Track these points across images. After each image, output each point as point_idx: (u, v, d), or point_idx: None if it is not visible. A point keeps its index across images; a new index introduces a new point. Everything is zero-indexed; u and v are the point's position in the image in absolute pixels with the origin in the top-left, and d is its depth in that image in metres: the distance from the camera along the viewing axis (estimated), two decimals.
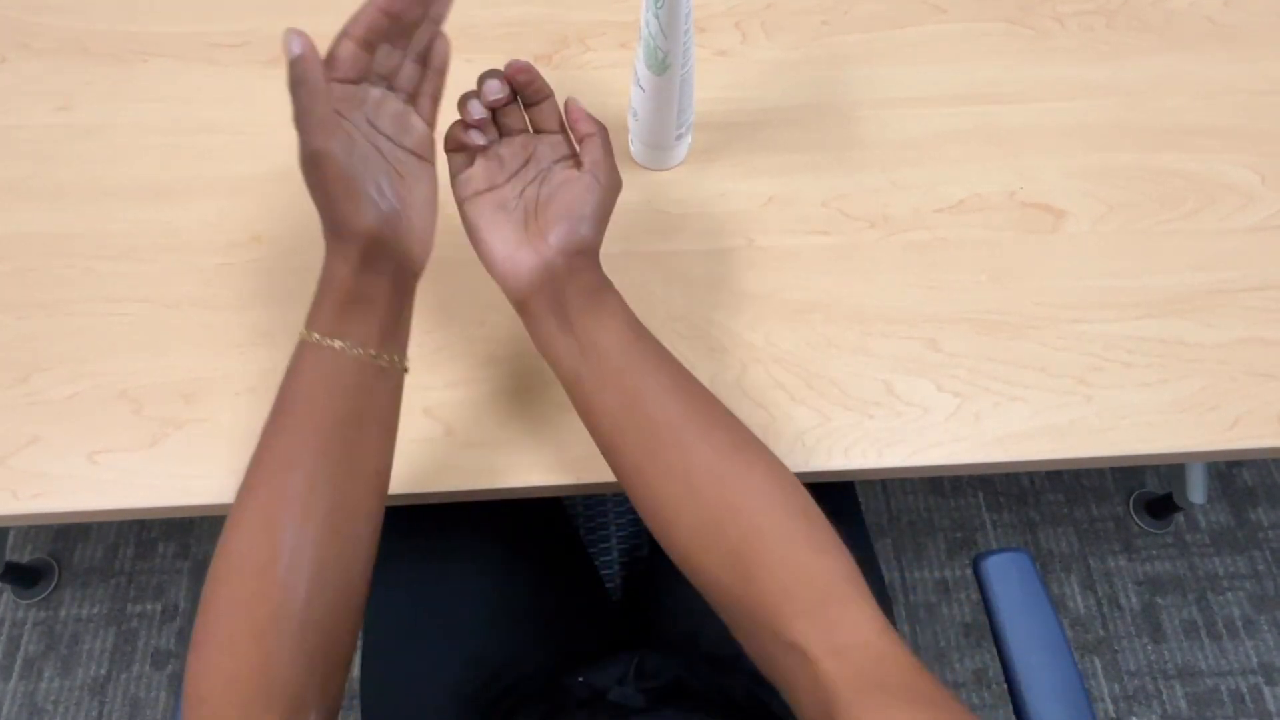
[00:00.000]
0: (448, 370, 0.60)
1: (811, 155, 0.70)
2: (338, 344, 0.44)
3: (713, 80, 0.72)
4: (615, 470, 0.49)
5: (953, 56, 0.75)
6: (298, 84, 0.43)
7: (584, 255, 0.50)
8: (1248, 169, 0.70)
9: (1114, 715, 1.26)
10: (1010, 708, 0.62)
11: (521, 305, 0.50)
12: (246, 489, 0.43)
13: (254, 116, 0.70)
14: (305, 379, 0.45)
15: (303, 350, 0.45)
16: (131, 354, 0.60)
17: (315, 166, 0.44)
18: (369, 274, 0.45)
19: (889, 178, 0.69)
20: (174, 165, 0.68)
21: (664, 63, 0.58)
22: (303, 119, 0.43)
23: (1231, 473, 1.42)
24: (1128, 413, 0.60)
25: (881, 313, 0.63)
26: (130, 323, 0.61)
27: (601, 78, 0.73)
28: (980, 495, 1.40)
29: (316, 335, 0.44)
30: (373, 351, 0.45)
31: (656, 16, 0.55)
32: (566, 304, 0.49)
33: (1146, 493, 1.39)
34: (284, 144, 0.70)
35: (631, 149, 0.69)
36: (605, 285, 0.50)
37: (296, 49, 0.42)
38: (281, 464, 0.43)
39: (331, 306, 0.45)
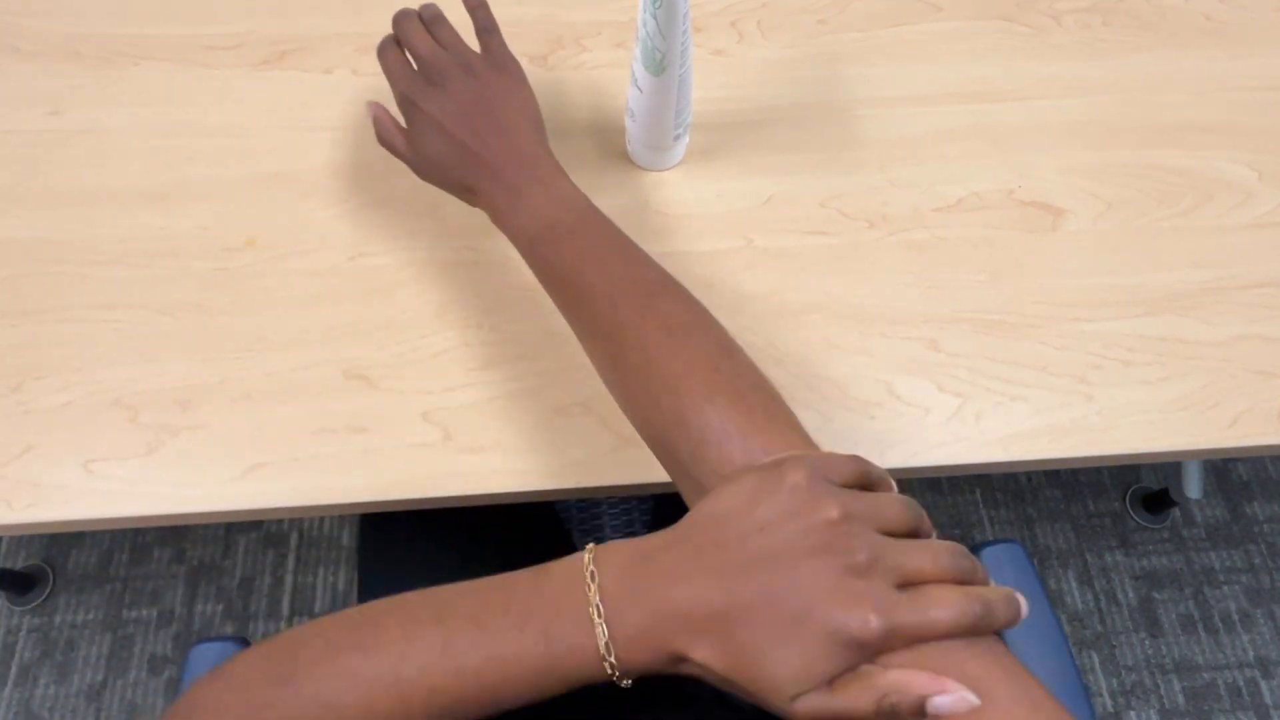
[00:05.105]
0: (446, 375, 0.60)
1: (809, 155, 0.69)
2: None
3: (709, 80, 0.72)
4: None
5: (949, 55, 0.74)
6: None
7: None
8: (1245, 166, 0.70)
9: (1112, 710, 1.27)
10: None
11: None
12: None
13: (247, 119, 0.69)
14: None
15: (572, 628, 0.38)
16: (126, 361, 0.60)
17: None
18: None
19: (887, 177, 0.68)
20: (167, 169, 0.67)
21: (661, 63, 0.57)
22: None
23: (1227, 467, 1.43)
24: (1128, 411, 0.60)
25: (881, 313, 0.63)
26: (124, 329, 0.61)
27: (598, 78, 0.72)
28: (978, 492, 1.40)
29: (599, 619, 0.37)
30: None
31: (654, 16, 0.54)
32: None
33: (1143, 488, 1.39)
34: (278, 147, 0.70)
35: (629, 150, 0.68)
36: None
37: None
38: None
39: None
